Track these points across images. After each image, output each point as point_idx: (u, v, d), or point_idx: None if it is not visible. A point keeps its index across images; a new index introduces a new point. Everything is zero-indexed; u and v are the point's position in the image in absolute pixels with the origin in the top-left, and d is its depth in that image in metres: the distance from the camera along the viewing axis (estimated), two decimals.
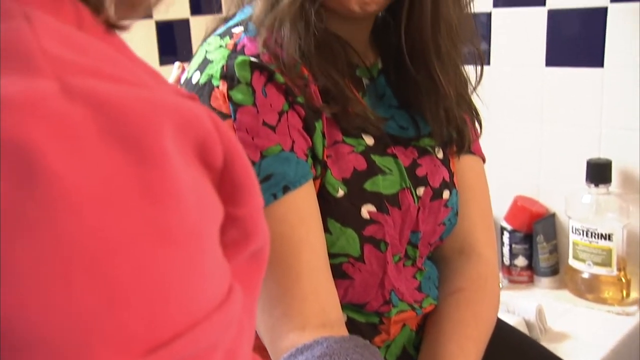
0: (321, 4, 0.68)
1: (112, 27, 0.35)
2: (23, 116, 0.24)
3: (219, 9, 1.63)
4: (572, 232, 1.22)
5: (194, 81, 0.68)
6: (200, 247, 0.28)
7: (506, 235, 1.33)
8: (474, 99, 0.82)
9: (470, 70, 0.80)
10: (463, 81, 0.78)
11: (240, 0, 0.76)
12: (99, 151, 0.25)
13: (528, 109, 1.30)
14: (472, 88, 0.80)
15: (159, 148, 0.26)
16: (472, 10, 0.76)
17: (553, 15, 1.23)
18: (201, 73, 0.68)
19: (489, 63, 1.32)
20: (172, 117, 0.28)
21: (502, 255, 1.34)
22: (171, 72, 0.82)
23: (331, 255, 0.68)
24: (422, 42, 0.71)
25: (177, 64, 0.81)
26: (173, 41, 1.47)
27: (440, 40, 0.71)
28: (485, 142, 0.86)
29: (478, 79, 0.79)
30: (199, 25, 1.51)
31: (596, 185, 1.18)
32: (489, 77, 0.82)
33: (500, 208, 1.32)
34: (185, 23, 1.51)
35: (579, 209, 1.22)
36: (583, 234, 1.20)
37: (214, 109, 0.65)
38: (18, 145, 0.23)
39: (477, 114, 0.82)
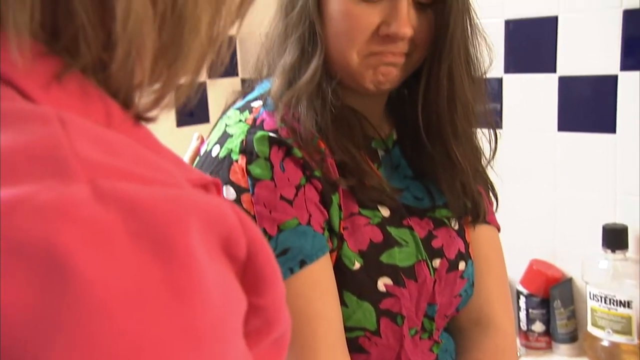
0: (337, 82, 0.70)
1: (139, 119, 0.37)
2: (56, 222, 0.25)
3: (235, 73, 1.68)
4: (590, 298, 1.20)
5: (213, 154, 0.70)
6: (225, 341, 0.29)
7: (522, 300, 1.32)
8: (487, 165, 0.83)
9: (480, 134, 0.81)
10: (478, 155, 0.79)
11: (258, 74, 0.79)
12: (128, 254, 0.26)
13: (542, 173, 1.31)
14: (486, 161, 0.81)
15: (186, 248, 0.27)
16: (486, 91, 0.78)
17: (564, 82, 1.25)
18: (221, 147, 0.69)
19: (501, 127, 1.34)
20: (198, 215, 0.29)
21: (519, 321, 1.31)
22: (186, 135, 0.83)
23: (347, 329, 0.68)
24: (439, 120, 0.73)
25: (195, 134, 0.83)
26: (189, 103, 1.51)
27: (456, 119, 0.72)
28: (499, 204, 0.86)
29: (492, 152, 0.81)
30: (215, 87, 1.55)
31: (613, 251, 1.17)
32: (502, 140, 0.83)
33: (515, 271, 1.31)
34: (201, 85, 1.55)
35: (596, 274, 1.21)
36: (601, 301, 1.18)
37: (232, 182, 0.66)
38: (51, 251, 0.24)
39: (492, 186, 0.83)
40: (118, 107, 0.35)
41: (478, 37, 0.75)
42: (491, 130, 0.80)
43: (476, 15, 0.75)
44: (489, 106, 0.80)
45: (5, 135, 0.27)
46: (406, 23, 0.68)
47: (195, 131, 0.84)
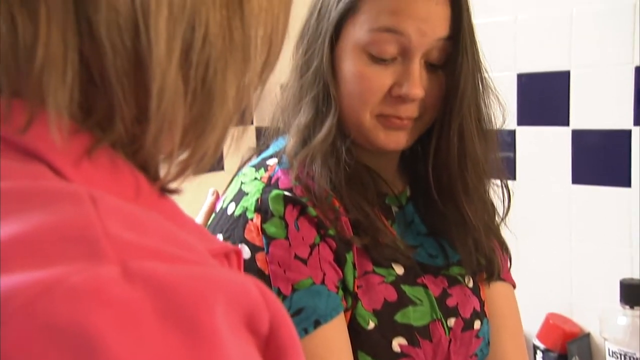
0: (352, 141, 0.71)
1: (166, 192, 0.38)
2: (87, 304, 0.26)
3: (250, 121, 1.70)
4: (609, 354, 1.18)
5: (229, 212, 0.71)
6: None
7: (539, 355, 1.29)
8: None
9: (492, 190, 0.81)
10: (490, 213, 0.79)
11: (274, 132, 0.80)
12: (156, 333, 0.27)
13: (557, 225, 1.30)
14: (500, 217, 0.81)
15: (211, 327, 0.28)
16: (499, 147, 0.78)
17: (577, 135, 1.26)
18: (236, 205, 0.70)
19: (514, 178, 1.34)
20: (223, 293, 0.29)
21: None
22: (201, 182, 0.84)
23: None
24: (450, 178, 0.73)
25: (210, 190, 0.84)
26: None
27: (467, 177, 0.73)
28: (514, 257, 0.86)
29: (506, 209, 0.81)
30: (229, 135, 1.57)
31: (631, 307, 1.15)
32: (516, 192, 0.83)
33: (531, 325, 1.29)
34: None
35: (614, 330, 1.18)
36: (621, 358, 1.15)
37: (247, 241, 0.67)
38: (82, 332, 0.25)
39: (506, 245, 0.83)
40: (145, 179, 0.37)
41: (490, 94, 0.76)
42: (504, 188, 0.81)
43: (487, 71, 0.76)
44: (501, 163, 0.81)
45: (38, 215, 0.28)
46: (418, 84, 0.69)
47: (210, 179, 0.85)
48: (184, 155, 0.38)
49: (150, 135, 0.34)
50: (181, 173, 0.38)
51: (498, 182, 0.80)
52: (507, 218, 0.81)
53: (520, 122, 1.33)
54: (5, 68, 0.32)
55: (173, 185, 0.39)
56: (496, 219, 0.81)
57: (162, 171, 0.38)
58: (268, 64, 0.41)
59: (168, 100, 0.34)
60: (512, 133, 1.34)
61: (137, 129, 0.35)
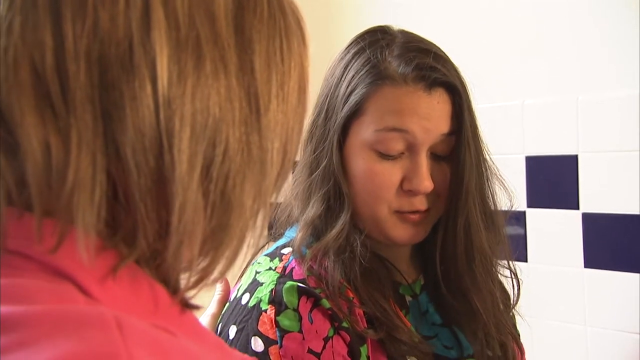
0: (366, 235, 0.72)
1: (187, 307, 0.38)
2: None
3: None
4: None
5: (243, 302, 0.71)
6: None
7: None
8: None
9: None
10: (501, 304, 0.79)
11: (287, 220, 0.81)
12: None
13: (569, 310, 1.28)
14: (510, 307, 0.81)
15: None
16: (506, 235, 0.79)
17: (588, 219, 1.26)
18: (251, 295, 0.70)
19: (526, 260, 1.34)
20: None
21: None
22: None
23: None
24: (457, 272, 0.74)
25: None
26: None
27: (475, 270, 0.73)
28: (526, 340, 0.85)
29: (515, 298, 0.80)
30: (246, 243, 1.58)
31: None
32: (527, 275, 0.83)
33: None
34: None
35: None
36: None
37: (261, 334, 0.67)
38: None
39: (518, 337, 0.82)
40: (166, 293, 0.37)
41: (495, 181, 0.78)
42: (514, 277, 0.81)
43: (492, 160, 0.77)
44: (510, 252, 0.81)
45: (68, 342, 0.29)
46: (427, 178, 0.71)
47: None
48: (203, 264, 0.39)
49: (171, 249, 0.35)
50: (200, 281, 0.39)
51: (507, 272, 0.81)
52: (517, 306, 0.81)
53: (530, 203, 1.34)
54: (38, 190, 0.33)
55: (193, 296, 0.39)
56: (507, 309, 0.81)
57: (183, 282, 0.39)
58: (283, 172, 0.42)
59: (189, 215, 0.35)
60: (522, 214, 1.35)
61: (158, 244, 0.36)
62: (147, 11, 0.34)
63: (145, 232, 0.35)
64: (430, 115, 0.70)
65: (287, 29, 0.40)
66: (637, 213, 1.19)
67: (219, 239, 0.38)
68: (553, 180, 1.31)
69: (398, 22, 0.79)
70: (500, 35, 1.38)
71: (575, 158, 1.27)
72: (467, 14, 1.43)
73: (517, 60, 1.35)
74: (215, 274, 0.39)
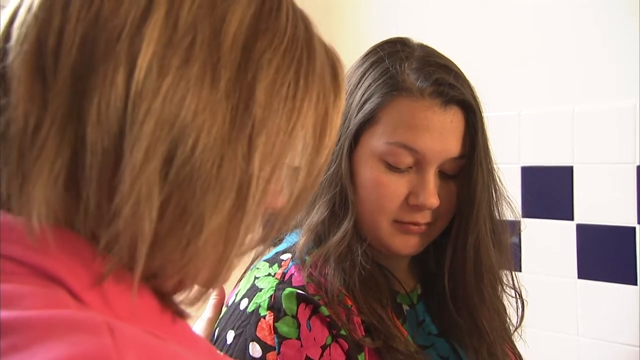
0: (368, 244, 0.72)
1: (178, 315, 0.39)
2: None
3: None
4: None
5: (241, 307, 0.71)
6: None
7: None
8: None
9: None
10: (504, 322, 0.79)
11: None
12: None
13: (562, 320, 1.29)
14: (513, 327, 0.81)
15: None
16: (512, 255, 0.79)
17: (582, 230, 1.27)
18: (249, 301, 0.70)
19: (520, 270, 1.34)
20: None
21: None
22: None
23: None
24: (466, 289, 0.74)
25: None
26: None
27: (484, 289, 0.74)
28: (518, 348, 0.85)
29: (519, 320, 0.81)
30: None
31: None
32: (520, 285, 0.83)
33: None
34: None
35: None
36: None
37: (259, 339, 0.67)
38: None
39: (520, 356, 0.83)
40: (155, 300, 0.38)
41: (503, 203, 0.78)
42: (518, 298, 0.81)
43: (501, 181, 0.78)
44: (515, 272, 0.82)
45: (61, 346, 0.29)
46: (433, 194, 0.71)
47: None
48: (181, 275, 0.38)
49: (124, 242, 0.35)
50: (199, 299, 0.40)
51: (512, 292, 0.81)
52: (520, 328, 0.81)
53: (525, 214, 1.34)
54: (19, 154, 0.35)
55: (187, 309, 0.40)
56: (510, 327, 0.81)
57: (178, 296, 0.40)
58: (268, 209, 0.40)
59: (133, 205, 0.35)
60: (517, 224, 1.35)
61: (138, 253, 0.35)
62: (149, 8, 0.36)
63: (89, 214, 0.35)
64: (443, 133, 0.70)
65: (307, 70, 0.40)
66: (631, 225, 1.20)
67: (184, 256, 0.37)
68: (548, 190, 1.32)
69: (396, 30, 0.79)
70: (498, 45, 1.39)
71: (570, 169, 1.28)
72: (464, 24, 1.44)
73: (514, 71, 1.36)
74: (200, 296, 0.40)
